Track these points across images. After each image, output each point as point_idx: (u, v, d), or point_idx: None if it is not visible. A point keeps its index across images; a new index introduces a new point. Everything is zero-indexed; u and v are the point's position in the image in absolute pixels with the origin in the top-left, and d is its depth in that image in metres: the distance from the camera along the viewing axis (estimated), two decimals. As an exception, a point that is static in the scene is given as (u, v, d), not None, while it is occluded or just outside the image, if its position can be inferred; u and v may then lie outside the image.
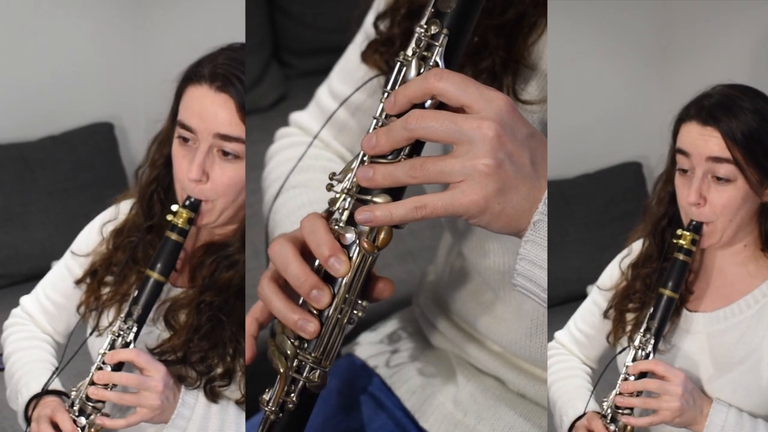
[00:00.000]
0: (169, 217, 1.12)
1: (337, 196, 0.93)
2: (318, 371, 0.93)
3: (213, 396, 1.14)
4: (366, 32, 1.24)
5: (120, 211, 1.24)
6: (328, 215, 0.93)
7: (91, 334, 1.20)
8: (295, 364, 0.94)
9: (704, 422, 1.14)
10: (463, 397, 1.24)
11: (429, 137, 0.88)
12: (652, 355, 1.17)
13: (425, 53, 0.91)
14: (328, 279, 0.92)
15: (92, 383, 1.11)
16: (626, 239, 1.30)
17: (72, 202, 2.31)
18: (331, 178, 0.93)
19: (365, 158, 0.91)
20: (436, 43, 0.91)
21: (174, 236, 1.11)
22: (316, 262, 0.93)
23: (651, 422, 1.16)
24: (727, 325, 1.18)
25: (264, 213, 1.31)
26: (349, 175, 0.93)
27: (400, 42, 1.13)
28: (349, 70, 1.27)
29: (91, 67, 2.45)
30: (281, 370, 0.94)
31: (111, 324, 1.16)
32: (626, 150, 2.44)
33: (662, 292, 1.17)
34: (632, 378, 1.17)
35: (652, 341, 1.17)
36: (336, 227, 0.92)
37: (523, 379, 1.22)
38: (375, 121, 0.92)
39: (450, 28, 0.91)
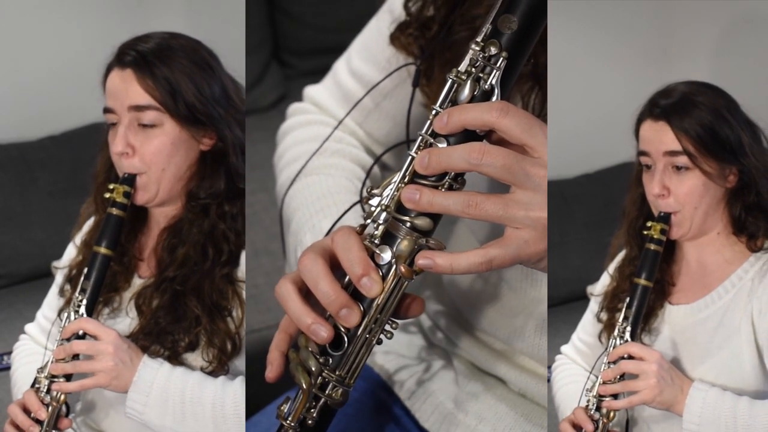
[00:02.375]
0: (107, 195, 1.18)
1: (373, 210, 0.90)
2: (341, 389, 0.92)
3: (177, 362, 1.16)
4: (392, 10, 1.20)
5: (87, 223, 1.30)
6: (362, 229, 0.91)
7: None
8: (318, 382, 0.92)
9: (685, 401, 1.14)
10: (464, 397, 1.24)
11: (490, 175, 0.86)
12: (630, 342, 1.19)
13: (480, 74, 0.88)
14: (357, 295, 0.90)
15: (55, 361, 1.15)
16: (610, 245, 1.33)
17: (72, 202, 2.29)
18: (368, 191, 0.91)
19: (407, 174, 0.89)
20: (494, 66, 0.87)
21: (115, 211, 1.17)
22: (347, 278, 0.90)
23: (631, 402, 1.17)
24: (708, 313, 1.20)
25: (278, 197, 1.29)
26: (387, 190, 0.90)
27: (438, 29, 1.10)
28: (372, 49, 1.24)
29: (91, 67, 2.43)
30: (304, 387, 0.92)
31: (69, 303, 1.20)
32: (626, 150, 2.43)
33: (637, 282, 1.20)
34: (612, 366, 1.18)
35: (629, 329, 1.19)
36: (370, 243, 0.90)
37: (525, 379, 1.22)
38: (420, 137, 0.89)
39: (509, 51, 0.87)
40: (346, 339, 0.90)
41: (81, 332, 1.15)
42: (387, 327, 0.91)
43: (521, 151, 0.87)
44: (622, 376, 1.18)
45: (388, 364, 1.30)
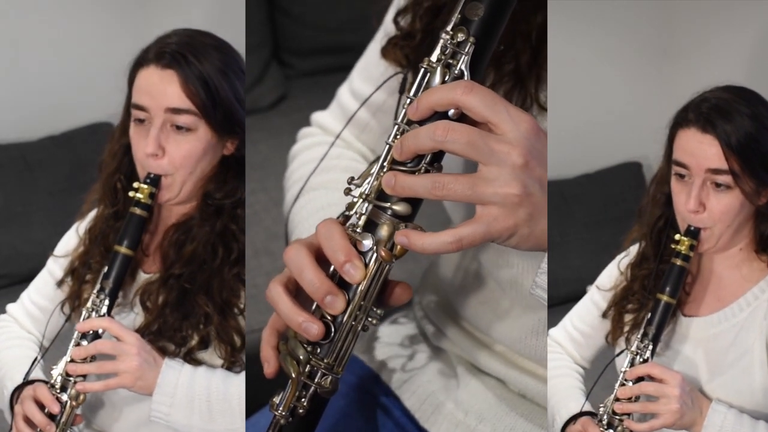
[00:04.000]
0: (132, 194, 1.16)
1: (355, 200, 0.92)
2: (330, 377, 0.93)
3: (195, 363, 1.16)
4: (386, 29, 1.23)
5: (91, 212, 1.28)
6: (345, 220, 0.93)
7: (66, 321, 1.23)
8: (307, 370, 0.93)
9: (702, 424, 1.13)
10: (464, 397, 1.24)
11: (455, 152, 0.87)
12: (650, 360, 1.17)
13: (450, 61, 0.90)
14: (343, 285, 0.91)
15: (71, 361, 1.14)
16: (623, 241, 1.30)
17: (72, 202, 2.30)
18: (349, 183, 0.93)
19: (385, 163, 0.91)
20: (462, 51, 0.89)
21: (138, 211, 1.16)
22: (331, 268, 0.92)
23: (652, 427, 1.15)
24: (722, 328, 1.18)
25: (284, 215, 1.31)
26: (367, 180, 0.92)
27: (421, 37, 1.12)
28: (369, 68, 1.27)
29: (91, 67, 2.44)
30: (293, 375, 0.93)
31: (85, 301, 1.19)
32: (626, 150, 2.44)
33: (660, 298, 1.17)
34: (630, 383, 1.16)
35: (651, 347, 1.17)
36: (352, 233, 0.91)
37: (525, 379, 1.21)
38: (396, 126, 0.91)
39: (477, 36, 0.89)
40: (332, 327, 0.92)
41: (101, 331, 1.14)
42: (372, 314, 0.93)
43: (486, 128, 0.88)
44: (638, 396, 1.16)
45: (394, 371, 1.30)
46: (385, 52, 1.19)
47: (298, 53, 2.75)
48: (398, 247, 0.91)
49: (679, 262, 1.17)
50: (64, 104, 2.44)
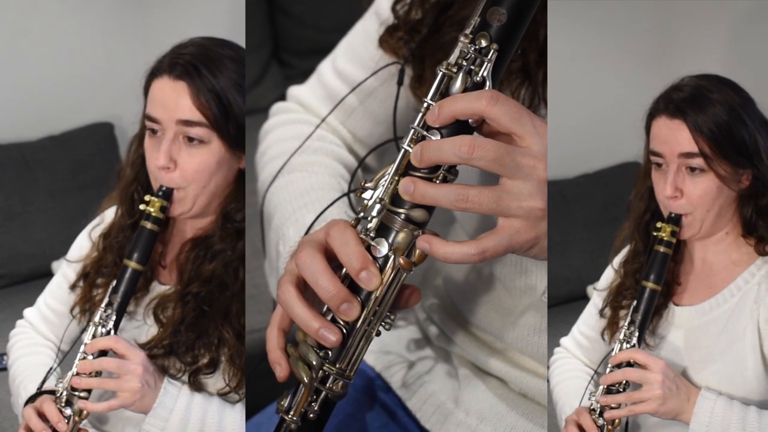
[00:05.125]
0: (143, 207, 1.14)
1: (367, 203, 0.91)
2: (341, 382, 0.92)
3: (197, 386, 1.15)
4: (378, 13, 1.20)
5: (106, 216, 1.26)
6: (356, 223, 0.92)
7: (82, 333, 1.22)
8: (319, 375, 0.92)
9: (692, 410, 1.13)
10: (465, 397, 1.24)
11: (481, 167, 0.87)
12: (637, 347, 1.17)
13: (472, 67, 0.88)
14: (354, 288, 0.91)
15: (77, 374, 1.12)
16: (614, 239, 1.31)
17: (72, 202, 2.31)
18: (362, 185, 0.92)
19: (401, 166, 0.90)
20: (485, 58, 0.88)
21: (149, 225, 1.14)
22: (343, 270, 0.91)
23: (633, 411, 1.15)
24: (713, 316, 1.19)
25: (259, 193, 1.28)
26: (381, 183, 0.90)
27: (428, 32, 1.11)
28: (358, 51, 1.24)
29: (91, 67, 2.44)
30: (306, 381, 0.92)
31: (93, 315, 1.17)
32: (626, 150, 2.43)
33: (645, 285, 1.18)
34: (615, 369, 1.17)
35: (637, 334, 1.17)
36: (365, 237, 0.90)
37: (526, 378, 1.21)
38: (413, 130, 0.90)
39: (500, 43, 0.88)
40: (345, 332, 0.91)
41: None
42: (386, 319, 0.92)
43: (509, 139, 0.87)
44: (627, 382, 1.16)
45: (388, 363, 1.30)
46: (384, 42, 1.17)
47: (298, 53, 2.75)
48: (416, 254, 0.90)
49: (662, 249, 1.18)
50: (64, 104, 2.44)
